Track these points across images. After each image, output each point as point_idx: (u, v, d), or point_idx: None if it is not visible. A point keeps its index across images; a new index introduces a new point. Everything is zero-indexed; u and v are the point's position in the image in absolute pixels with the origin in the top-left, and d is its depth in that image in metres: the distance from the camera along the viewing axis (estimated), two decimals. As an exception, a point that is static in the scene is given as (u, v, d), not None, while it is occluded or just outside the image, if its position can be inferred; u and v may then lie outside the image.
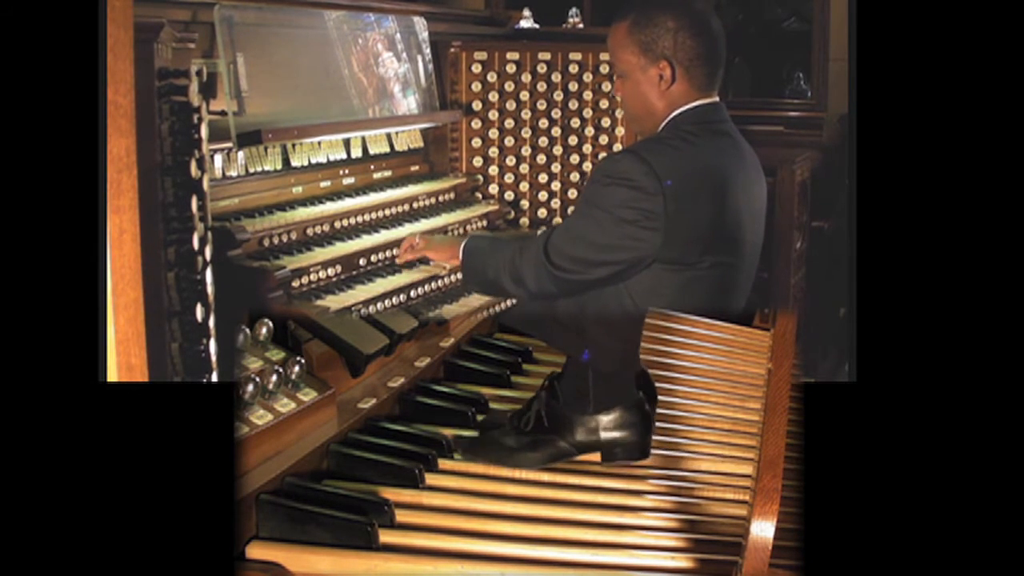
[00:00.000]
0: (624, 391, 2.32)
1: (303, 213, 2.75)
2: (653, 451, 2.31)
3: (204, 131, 1.82)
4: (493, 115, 3.50)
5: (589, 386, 2.29)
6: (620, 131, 3.52)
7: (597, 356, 2.27)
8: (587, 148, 3.54)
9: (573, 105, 3.53)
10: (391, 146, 3.28)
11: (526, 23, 4.61)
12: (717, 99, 2.27)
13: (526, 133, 3.53)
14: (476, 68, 3.49)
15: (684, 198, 2.11)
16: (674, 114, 2.22)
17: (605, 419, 2.30)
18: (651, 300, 2.17)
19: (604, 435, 2.28)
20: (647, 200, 2.09)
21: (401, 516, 2.07)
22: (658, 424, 2.37)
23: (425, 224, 3.05)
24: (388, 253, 2.84)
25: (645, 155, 2.13)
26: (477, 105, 3.49)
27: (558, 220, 3.56)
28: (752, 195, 2.27)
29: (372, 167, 3.19)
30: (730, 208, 2.18)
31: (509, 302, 2.96)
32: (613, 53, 2.28)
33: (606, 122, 3.53)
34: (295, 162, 2.88)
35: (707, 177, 2.16)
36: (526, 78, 3.51)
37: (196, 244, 1.79)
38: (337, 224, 2.84)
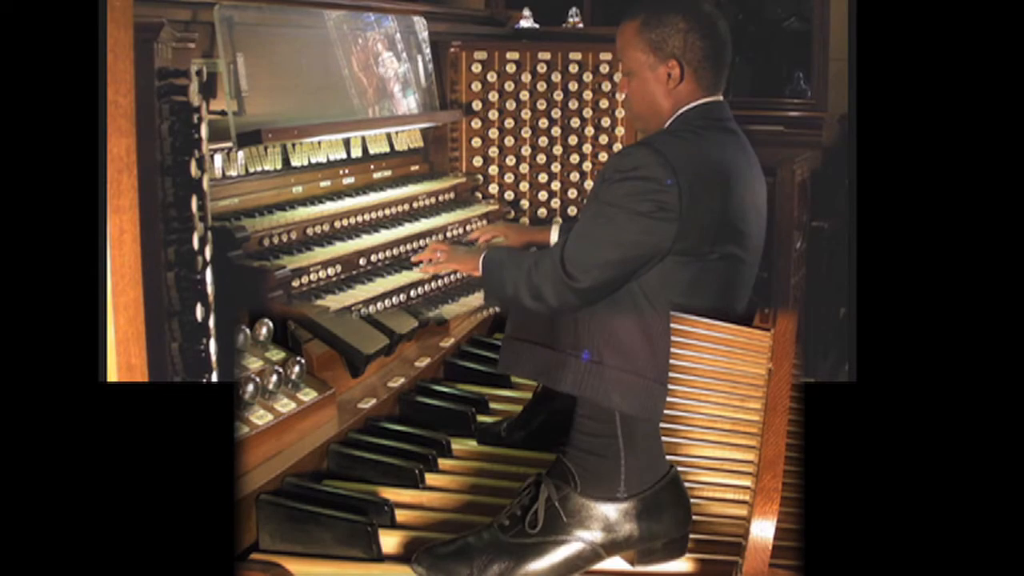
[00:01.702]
0: (657, 458, 1.98)
1: (303, 213, 2.75)
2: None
3: (204, 131, 1.82)
4: (493, 115, 3.50)
5: (619, 450, 1.90)
6: (620, 131, 3.52)
7: (616, 390, 1.89)
8: (587, 148, 3.54)
9: (573, 105, 3.53)
10: (391, 146, 3.28)
11: (526, 23, 4.60)
12: (721, 98, 2.27)
13: (526, 133, 3.53)
14: (476, 68, 3.49)
15: (697, 188, 2.10)
16: (681, 111, 2.23)
17: (640, 505, 1.92)
18: (663, 295, 2.15)
19: (641, 528, 1.93)
20: (662, 191, 2.08)
21: (401, 516, 2.07)
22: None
23: (425, 224, 3.05)
24: (388, 253, 2.85)
25: (658, 146, 2.12)
26: (477, 105, 3.49)
27: (558, 220, 3.56)
28: (755, 191, 2.28)
29: (372, 167, 3.19)
30: (737, 200, 2.18)
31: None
32: (621, 51, 2.28)
33: (606, 122, 3.53)
34: (295, 162, 2.88)
35: (716, 168, 2.16)
36: (526, 78, 3.51)
37: (196, 244, 1.79)
38: (337, 224, 2.84)
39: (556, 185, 3.55)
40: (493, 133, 3.51)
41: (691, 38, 2.19)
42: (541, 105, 3.52)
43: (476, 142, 3.50)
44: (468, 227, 3.21)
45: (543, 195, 3.55)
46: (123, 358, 1.55)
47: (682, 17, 2.20)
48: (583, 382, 1.91)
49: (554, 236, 2.68)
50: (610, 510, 1.92)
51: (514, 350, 2.05)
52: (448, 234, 3.14)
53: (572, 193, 3.54)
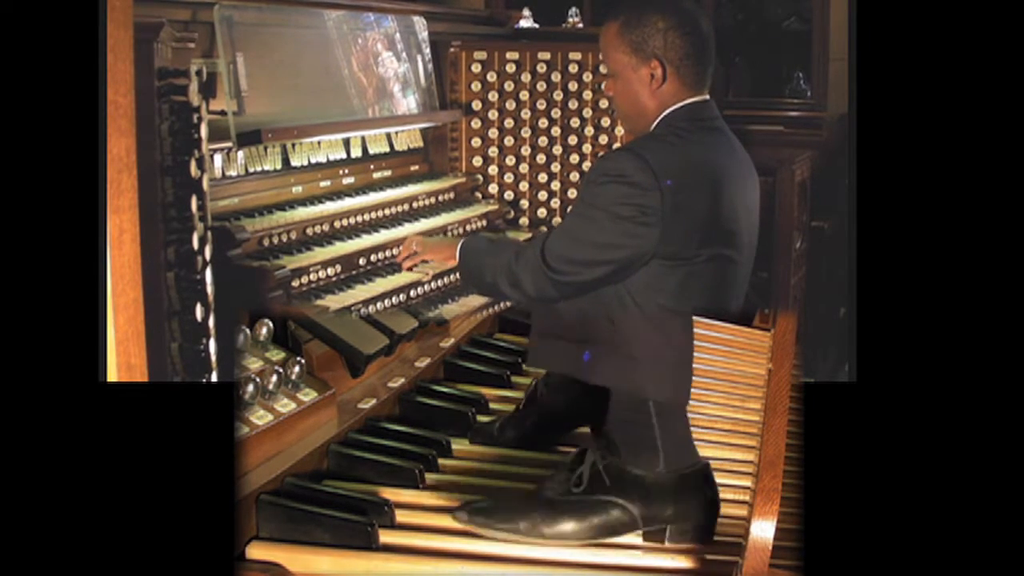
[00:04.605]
0: (688, 443, 2.12)
1: (303, 213, 2.75)
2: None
3: (204, 131, 1.82)
4: (493, 115, 3.50)
5: (655, 431, 2.03)
6: (620, 131, 3.52)
7: (648, 381, 2.04)
8: (587, 148, 3.54)
9: (573, 105, 3.53)
10: (391, 146, 3.28)
11: (526, 23, 4.61)
12: (707, 97, 2.28)
13: (526, 133, 3.53)
14: (476, 68, 3.49)
15: (681, 193, 2.11)
16: (666, 112, 2.23)
17: (677, 481, 2.04)
18: (651, 297, 2.16)
19: (676, 505, 2.03)
20: (644, 196, 2.09)
21: (401, 516, 2.07)
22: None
23: (425, 224, 3.05)
24: (388, 253, 2.84)
25: (640, 151, 2.13)
26: (477, 105, 3.49)
27: (558, 220, 3.56)
28: (746, 189, 2.28)
29: (372, 167, 3.19)
30: (726, 201, 2.19)
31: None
32: (604, 53, 2.29)
33: (606, 122, 3.53)
34: (295, 162, 2.88)
35: (702, 171, 2.17)
36: (526, 78, 3.51)
37: (196, 244, 1.79)
38: (337, 224, 2.84)
39: (556, 185, 3.55)
40: (493, 133, 3.51)
41: (671, 36, 2.20)
42: (541, 105, 3.52)
43: (476, 142, 3.50)
44: (468, 227, 3.21)
45: (543, 195, 3.56)
46: (123, 358, 1.55)
47: (661, 16, 2.20)
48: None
49: None
50: (650, 481, 2.03)
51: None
52: (448, 234, 3.14)
53: (572, 193, 3.54)
